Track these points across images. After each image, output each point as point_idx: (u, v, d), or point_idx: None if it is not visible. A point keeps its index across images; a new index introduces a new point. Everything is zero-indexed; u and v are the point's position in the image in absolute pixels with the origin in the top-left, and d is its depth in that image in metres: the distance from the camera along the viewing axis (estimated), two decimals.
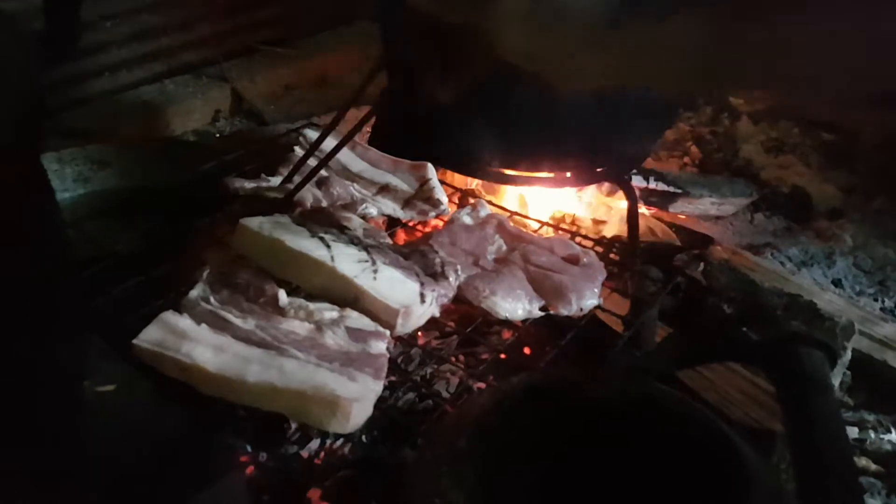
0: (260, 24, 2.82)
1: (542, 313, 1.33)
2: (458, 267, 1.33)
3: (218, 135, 2.50)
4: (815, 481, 1.11)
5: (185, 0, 2.59)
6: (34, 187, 0.80)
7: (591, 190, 2.05)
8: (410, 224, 1.57)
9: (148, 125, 2.39)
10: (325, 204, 1.45)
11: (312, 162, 1.57)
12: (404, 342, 1.44)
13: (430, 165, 1.59)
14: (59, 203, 1.69)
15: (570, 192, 2.01)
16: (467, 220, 1.49)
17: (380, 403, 1.12)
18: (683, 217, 2.19)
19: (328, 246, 1.25)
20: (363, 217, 1.45)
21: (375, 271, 1.24)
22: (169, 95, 2.49)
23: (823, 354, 1.22)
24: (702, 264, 1.87)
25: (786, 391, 1.21)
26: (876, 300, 1.97)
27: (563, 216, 2.02)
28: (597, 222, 2.03)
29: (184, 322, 1.13)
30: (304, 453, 1.39)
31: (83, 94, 2.37)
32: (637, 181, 2.03)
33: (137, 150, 1.83)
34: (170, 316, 1.14)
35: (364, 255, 1.26)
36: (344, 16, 2.97)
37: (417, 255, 1.34)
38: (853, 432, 1.58)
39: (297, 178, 1.51)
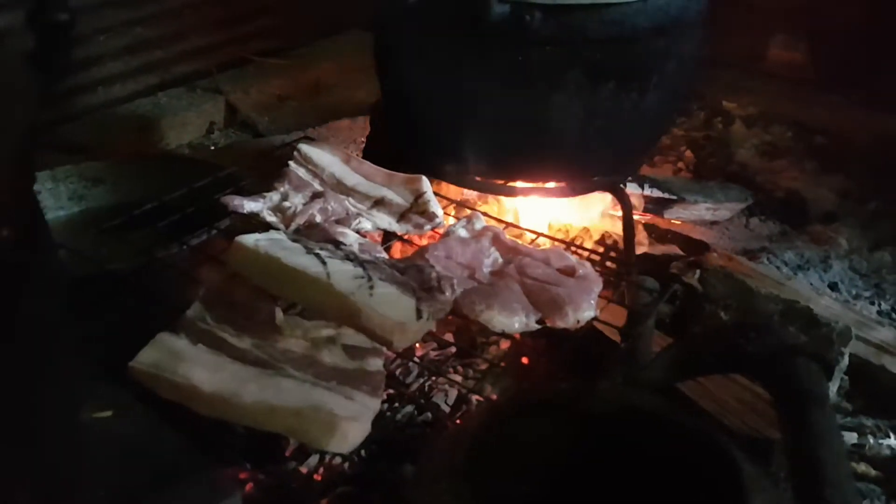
0: (253, 35, 2.83)
1: (539, 326, 1.32)
2: (455, 281, 1.32)
3: (213, 147, 2.50)
4: (812, 491, 1.11)
5: (178, 12, 2.59)
6: (25, 209, 0.80)
7: (586, 199, 2.05)
8: (406, 237, 1.57)
9: (142, 139, 2.39)
10: (319, 219, 1.45)
11: (307, 176, 1.57)
12: (402, 355, 1.44)
13: (424, 178, 1.58)
14: (52, 222, 1.69)
15: (565, 201, 2.01)
16: (463, 232, 1.49)
17: (378, 418, 1.12)
18: (678, 223, 2.19)
19: (324, 263, 1.24)
20: (357, 232, 1.44)
21: (371, 287, 1.23)
22: (163, 108, 2.50)
23: (820, 365, 1.22)
24: (698, 271, 1.86)
25: (783, 403, 1.21)
26: (872, 304, 1.96)
27: (559, 226, 2.02)
28: (592, 232, 2.03)
29: (180, 342, 1.13)
30: (303, 469, 1.39)
31: (77, 109, 2.37)
32: (632, 188, 2.03)
33: (132, 166, 1.82)
34: (166, 337, 1.13)
35: (360, 271, 1.26)
36: (336, 25, 2.98)
37: (413, 270, 1.33)
38: (852, 438, 1.58)
39: (293, 194, 1.51)
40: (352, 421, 1.04)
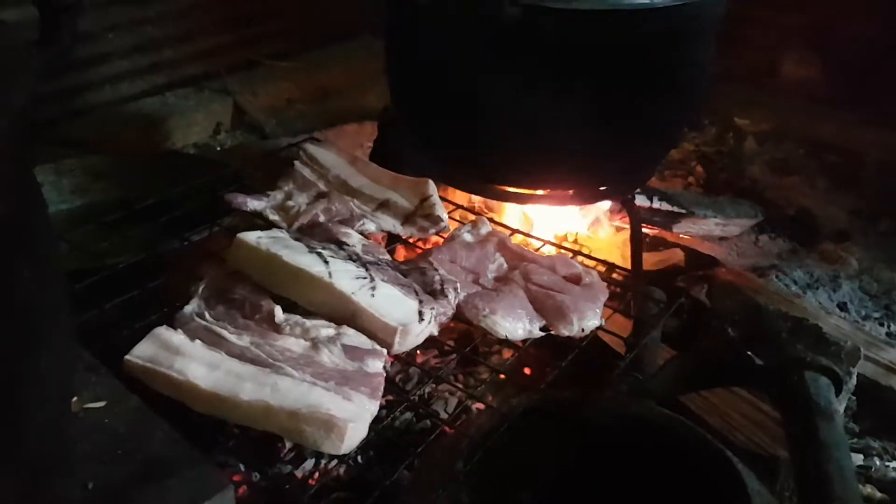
0: (263, 37, 2.82)
1: (543, 333, 1.30)
2: (458, 285, 1.30)
3: (219, 148, 2.49)
4: None
5: (188, 12, 2.58)
6: (24, 197, 0.78)
7: (595, 209, 2.03)
8: (411, 241, 1.55)
9: (148, 138, 2.37)
10: (322, 219, 1.43)
11: (312, 176, 1.55)
12: (403, 361, 1.42)
13: (430, 182, 1.56)
14: (54, 215, 1.68)
15: (573, 210, 1.99)
16: (468, 237, 1.47)
17: (376, 423, 1.10)
18: (687, 238, 2.17)
19: (326, 262, 1.23)
20: (361, 233, 1.42)
21: (374, 288, 1.22)
22: (170, 108, 2.48)
23: (829, 380, 1.20)
24: (706, 286, 1.84)
25: (791, 417, 1.19)
26: (882, 325, 1.94)
27: (566, 235, 2.00)
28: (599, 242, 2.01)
29: (177, 338, 1.11)
30: (299, 473, 1.37)
31: (83, 106, 2.36)
32: (641, 200, 2.01)
33: (136, 161, 1.82)
34: (163, 331, 1.11)
35: (362, 271, 1.24)
36: (347, 31, 2.96)
37: (417, 273, 1.32)
38: (858, 459, 1.55)
39: (297, 194, 1.49)
40: (349, 422, 1.02)
